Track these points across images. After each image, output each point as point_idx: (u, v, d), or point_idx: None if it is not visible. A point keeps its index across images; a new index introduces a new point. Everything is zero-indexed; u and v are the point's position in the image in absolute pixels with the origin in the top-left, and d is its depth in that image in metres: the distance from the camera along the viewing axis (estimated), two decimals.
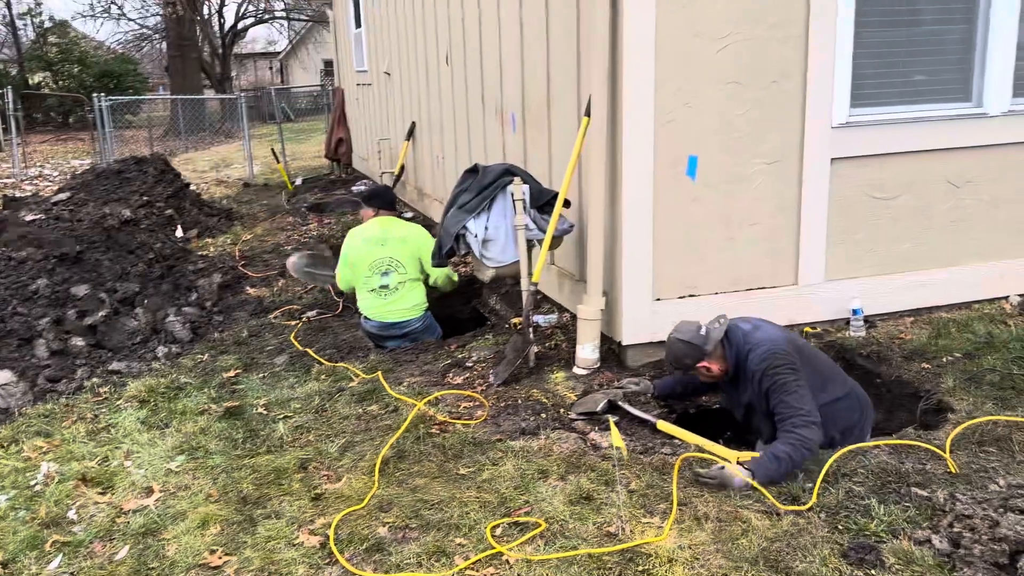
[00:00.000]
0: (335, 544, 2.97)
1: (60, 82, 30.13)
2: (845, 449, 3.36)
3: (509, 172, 4.52)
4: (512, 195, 4.42)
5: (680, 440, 3.61)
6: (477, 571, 2.76)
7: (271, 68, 49.25)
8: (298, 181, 12.62)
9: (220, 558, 2.97)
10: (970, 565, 2.59)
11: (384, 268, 5.30)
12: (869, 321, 4.70)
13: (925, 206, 4.77)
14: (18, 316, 5.14)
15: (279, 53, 46.84)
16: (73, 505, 3.48)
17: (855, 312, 4.64)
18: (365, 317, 5.37)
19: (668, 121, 4.16)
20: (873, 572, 2.63)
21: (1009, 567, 2.58)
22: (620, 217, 4.22)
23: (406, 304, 5.30)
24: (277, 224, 9.58)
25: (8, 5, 33.18)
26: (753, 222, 4.43)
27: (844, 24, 4.36)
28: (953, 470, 3.21)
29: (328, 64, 42.41)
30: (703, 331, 3.53)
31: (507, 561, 2.80)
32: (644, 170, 4.16)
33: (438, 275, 5.40)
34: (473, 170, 4.71)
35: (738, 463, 3.27)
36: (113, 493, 3.56)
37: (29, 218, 6.35)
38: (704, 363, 3.54)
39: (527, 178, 4.56)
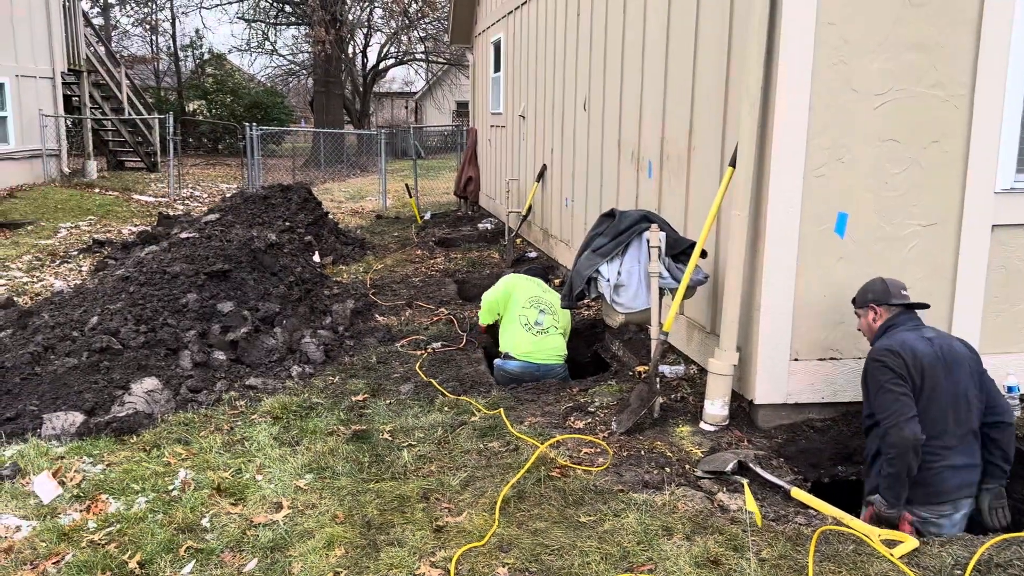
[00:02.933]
0: None
1: (213, 111, 32.36)
2: (1000, 537, 3.10)
3: (646, 219, 4.49)
4: (648, 242, 4.38)
5: (815, 510, 3.42)
6: None
7: (406, 107, 51.21)
8: (427, 215, 12.98)
9: None
10: None
11: (542, 307, 5.41)
12: None
13: None
14: (168, 327, 5.46)
15: (415, 93, 48.69)
16: (207, 513, 3.62)
17: (1010, 389, 4.31)
18: (508, 355, 5.40)
19: (818, 176, 4.04)
20: None
21: None
22: (761, 271, 4.10)
23: (556, 348, 5.37)
24: (406, 256, 9.86)
25: (173, 37, 36.09)
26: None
27: (1013, 86, 4.13)
28: None
29: (461, 105, 43.84)
30: (891, 293, 3.70)
31: None
32: (789, 225, 4.04)
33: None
34: (610, 215, 4.70)
35: (882, 540, 3.07)
36: (245, 505, 3.69)
37: (183, 235, 6.78)
38: (866, 309, 3.75)
39: (664, 226, 4.51)
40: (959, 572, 2.93)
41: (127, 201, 13.83)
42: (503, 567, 3.05)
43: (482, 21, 13.39)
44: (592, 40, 7.09)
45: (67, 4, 15.92)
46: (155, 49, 37.39)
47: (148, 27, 35.44)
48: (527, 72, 9.94)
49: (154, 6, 33.61)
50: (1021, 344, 4.41)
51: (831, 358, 4.22)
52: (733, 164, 4.14)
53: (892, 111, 4.06)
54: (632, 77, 6.04)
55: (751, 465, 3.71)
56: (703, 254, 4.41)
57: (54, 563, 3.24)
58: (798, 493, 3.50)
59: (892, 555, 3.02)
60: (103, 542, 3.39)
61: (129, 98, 18.84)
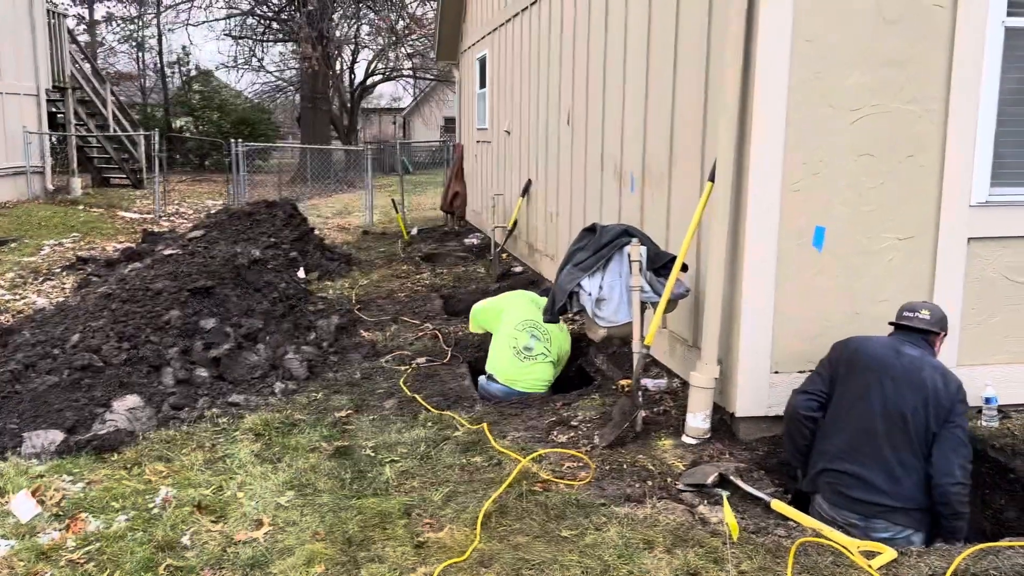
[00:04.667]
0: None
1: (200, 127, 32.35)
2: (976, 547, 3.12)
3: (627, 233, 4.52)
4: (629, 256, 4.41)
5: (795, 522, 3.44)
6: None
7: (394, 123, 51.33)
8: (414, 231, 12.99)
9: None
10: None
11: (535, 332, 5.38)
12: (1003, 411, 4.40)
13: None
14: (150, 344, 5.44)
15: (403, 109, 48.82)
16: (187, 531, 3.60)
17: (988, 401, 4.35)
18: (491, 378, 5.39)
19: (795, 190, 4.09)
20: None
21: None
22: (741, 285, 4.14)
23: (541, 378, 5.33)
24: (392, 271, 9.86)
25: (160, 54, 36.10)
26: (881, 298, 4.25)
27: (986, 101, 4.20)
28: None
29: (448, 121, 43.98)
30: (897, 313, 3.85)
31: None
32: (768, 238, 4.08)
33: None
34: (591, 229, 4.73)
35: (860, 551, 3.09)
36: (225, 523, 3.67)
37: (167, 252, 6.77)
38: (938, 338, 3.80)
39: (645, 240, 4.55)
40: None
41: (112, 218, 13.79)
42: None
43: (468, 38, 13.48)
44: (575, 56, 7.16)
45: (52, 22, 15.90)
46: (141, 66, 37.41)
47: (134, 44, 35.45)
48: (512, 88, 10.00)
49: (140, 23, 33.63)
50: (998, 355, 4.45)
51: (811, 369, 4.25)
52: (712, 179, 4.18)
53: (868, 126, 4.12)
54: (614, 93, 6.09)
55: (732, 478, 3.72)
56: (684, 268, 4.44)
57: None
58: (778, 505, 3.51)
59: (871, 566, 3.04)
60: (82, 561, 3.37)
61: (115, 115, 18.81)
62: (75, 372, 5.11)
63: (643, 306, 4.52)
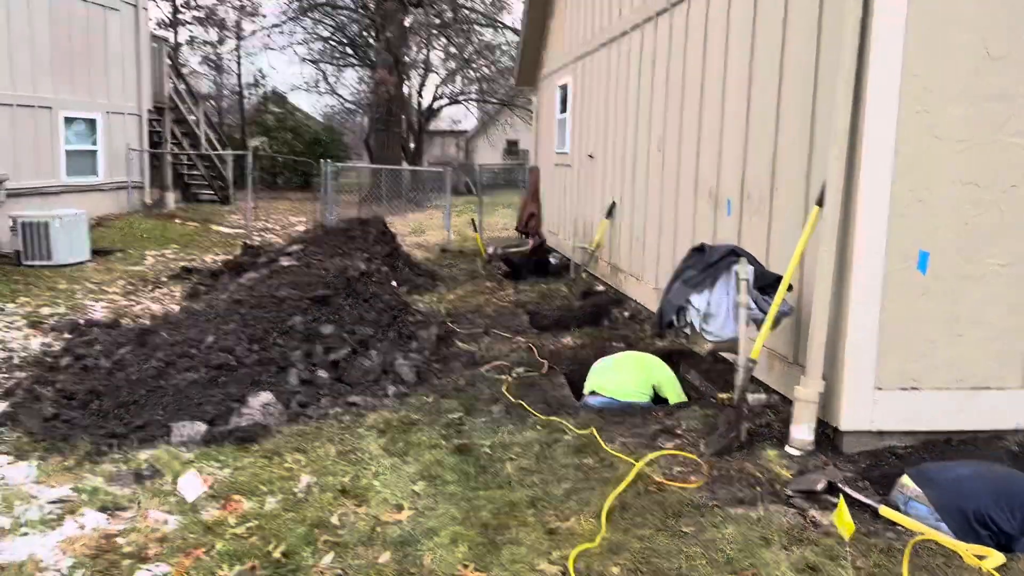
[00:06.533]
0: (575, 574, 3.25)
1: (274, 147, 33.54)
2: None
3: (734, 253, 4.79)
4: (737, 275, 4.68)
5: (903, 527, 3.65)
6: None
7: (457, 145, 52.24)
8: (491, 250, 13.39)
9: (473, 573, 3.33)
10: None
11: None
12: None
13: None
14: (277, 347, 5.88)
15: (465, 132, 49.70)
16: (335, 512, 3.96)
17: None
18: (592, 392, 5.69)
19: (902, 215, 4.31)
20: None
21: None
22: (847, 305, 4.37)
23: (635, 381, 5.60)
24: (476, 287, 10.25)
25: (239, 76, 37.59)
26: (983, 322, 4.43)
27: None
28: None
29: (511, 144, 44.65)
30: None
31: None
32: (875, 260, 4.31)
33: (669, 392, 5.71)
34: (699, 249, 5.02)
35: (971, 554, 3.29)
36: (368, 506, 4.02)
37: (285, 263, 7.25)
38: None
39: (751, 260, 4.81)
40: None
41: (206, 232, 14.53)
42: (616, 567, 3.34)
43: (548, 65, 13.90)
44: (668, 84, 7.47)
45: (154, 46, 16.87)
46: (220, 88, 38.97)
47: (214, 67, 36.98)
48: (596, 114, 10.35)
49: (221, 47, 35.14)
50: None
51: (912, 388, 4.45)
52: (820, 203, 4.43)
53: (972, 156, 4.33)
54: (712, 119, 6.38)
55: (840, 485, 3.94)
56: (789, 288, 4.69)
57: (205, 552, 3.60)
58: (886, 511, 3.73)
59: (983, 565, 3.24)
60: (245, 535, 3.75)
61: (206, 134, 19.75)
62: (212, 370, 5.56)
63: (748, 323, 4.76)
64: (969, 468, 3.94)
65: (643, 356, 5.95)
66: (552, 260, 12.09)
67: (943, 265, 4.39)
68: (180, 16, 33.56)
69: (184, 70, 34.84)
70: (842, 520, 3.35)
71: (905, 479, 3.87)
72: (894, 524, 3.69)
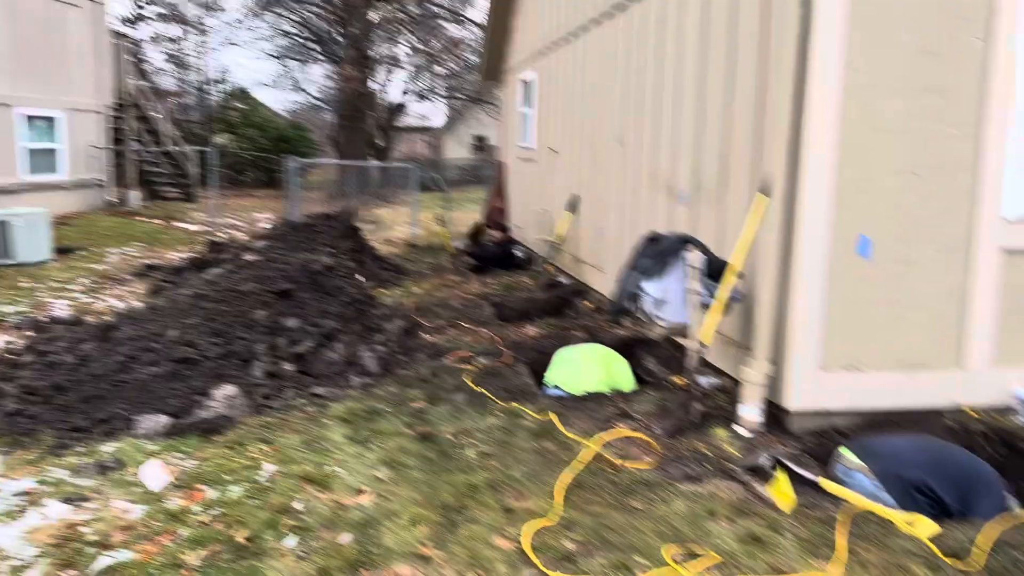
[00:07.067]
0: (530, 550, 3.38)
1: (239, 144, 33.27)
2: (1010, 519, 3.50)
3: (686, 241, 4.95)
4: (688, 262, 4.84)
5: (844, 500, 3.83)
6: None
7: (425, 141, 52.19)
8: (457, 244, 13.48)
9: (431, 551, 3.45)
10: None
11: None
12: None
13: None
14: (241, 340, 5.94)
15: (433, 127, 49.67)
16: (298, 498, 4.06)
17: (1021, 399, 4.71)
18: (554, 386, 5.82)
19: (844, 204, 4.50)
20: None
21: None
22: (792, 290, 4.55)
23: (588, 380, 5.72)
24: (442, 281, 10.35)
25: (202, 72, 37.25)
26: (921, 304, 4.64)
27: (1018, 125, 4.60)
28: None
29: (478, 139, 44.70)
30: None
31: None
32: (818, 247, 4.49)
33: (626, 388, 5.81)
34: (653, 238, 5.17)
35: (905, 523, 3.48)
36: (331, 492, 4.12)
37: (248, 258, 7.30)
38: None
39: (701, 247, 4.97)
40: (971, 547, 3.32)
41: (170, 229, 14.45)
42: (570, 542, 3.48)
43: (513, 60, 14.02)
44: (627, 79, 7.62)
45: (115, 42, 16.71)
46: (183, 84, 38.56)
47: (177, 63, 36.60)
48: (559, 109, 10.49)
49: (184, 43, 34.79)
50: None
51: (855, 368, 4.65)
52: (767, 193, 4.61)
53: (912, 147, 4.54)
54: (667, 114, 6.55)
55: (785, 461, 4.12)
56: (739, 274, 4.85)
57: (170, 538, 3.68)
58: (827, 484, 3.91)
59: (917, 533, 3.42)
60: (209, 522, 3.82)
61: (169, 131, 19.59)
62: (175, 364, 5.61)
63: (699, 308, 4.93)
64: (907, 440, 4.14)
65: (607, 354, 6.05)
66: (518, 253, 12.21)
67: (883, 251, 4.58)
68: (142, 12, 33.17)
69: (146, 67, 34.46)
70: (781, 492, 3.53)
71: (844, 452, 4.05)
72: (836, 497, 3.87)
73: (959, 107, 4.57)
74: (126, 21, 32.48)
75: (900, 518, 3.56)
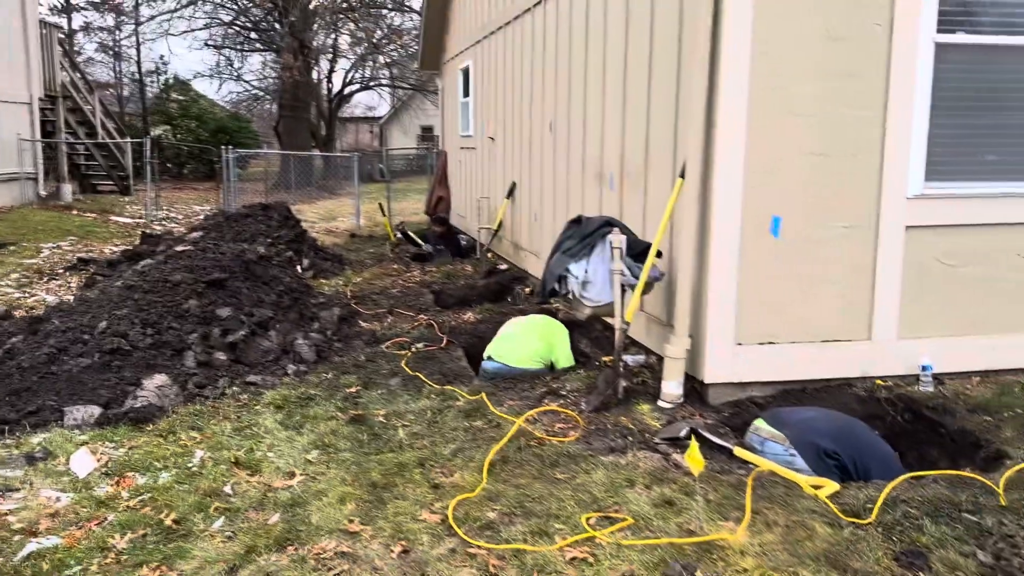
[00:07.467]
0: (453, 521, 3.50)
1: (178, 135, 32.65)
2: (906, 476, 3.74)
3: (609, 223, 5.11)
4: (611, 243, 4.99)
5: (755, 465, 4.03)
6: (575, 549, 3.25)
7: (371, 131, 51.80)
8: (399, 234, 13.50)
9: (357, 526, 3.54)
10: (1009, 574, 2.95)
11: (518, 322, 5.96)
12: (938, 378, 5.03)
13: (995, 275, 5.11)
14: (172, 330, 5.93)
15: (379, 118, 49.32)
16: (228, 482, 4.11)
17: (924, 368, 4.98)
18: (488, 357, 5.93)
19: (756, 185, 4.70)
20: (921, 575, 3.01)
21: None
22: (708, 268, 4.74)
23: (527, 349, 5.83)
24: (383, 270, 10.39)
25: (138, 63, 36.39)
26: (830, 280, 4.87)
27: (920, 107, 4.84)
28: (1004, 503, 3.54)
29: (425, 129, 44.53)
30: None
31: (600, 544, 3.29)
32: (732, 227, 4.68)
33: (563, 363, 5.91)
34: (576, 221, 5.32)
35: (810, 484, 3.68)
36: (261, 475, 4.18)
37: (179, 248, 7.26)
38: None
39: (624, 229, 5.13)
40: (870, 506, 3.54)
41: (105, 222, 14.18)
42: (493, 512, 3.60)
43: (451, 49, 14.06)
44: (557, 68, 7.76)
45: (44, 32, 16.27)
46: (119, 75, 37.63)
47: (112, 53, 35.70)
48: (495, 97, 10.59)
49: (119, 33, 33.93)
50: (932, 330, 5.08)
51: (769, 342, 4.86)
52: (683, 176, 4.78)
53: (820, 129, 4.74)
54: (594, 101, 6.70)
55: (701, 431, 4.31)
56: (659, 254, 5.03)
57: (97, 524, 3.70)
58: (740, 451, 4.11)
59: (819, 494, 3.63)
60: (138, 507, 3.86)
61: (102, 123, 19.16)
62: (105, 355, 5.59)
63: (623, 289, 5.09)
64: (814, 411, 4.37)
65: (549, 325, 6.11)
66: (461, 241, 12.31)
67: (794, 229, 4.79)
68: (74, 1, 32.23)
69: (79, 58, 33.54)
70: (693, 459, 3.70)
71: (759, 423, 4.26)
72: (747, 463, 4.07)
73: (865, 91, 4.79)
74: (56, 10, 31.56)
75: (805, 481, 3.77)
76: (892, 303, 4.98)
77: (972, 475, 3.80)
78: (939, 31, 4.85)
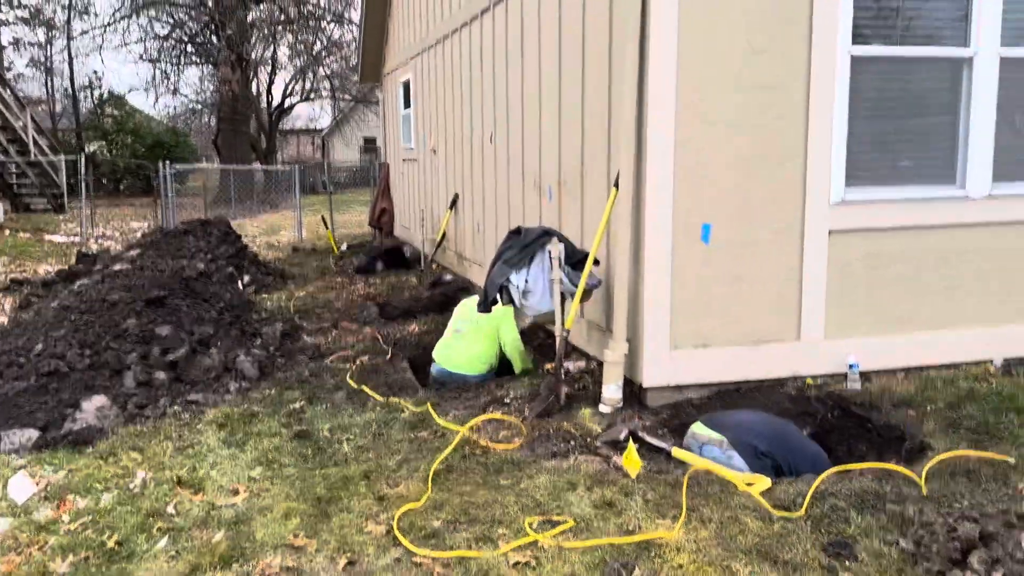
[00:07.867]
0: (398, 531, 3.55)
1: (114, 151, 31.93)
2: (834, 469, 3.91)
3: (547, 233, 5.22)
4: (549, 253, 5.10)
5: (691, 465, 4.16)
6: (518, 553, 3.33)
7: (313, 143, 51.33)
8: (344, 247, 13.46)
9: (302, 540, 3.56)
10: (928, 560, 3.12)
11: (463, 319, 5.97)
12: (865, 376, 5.24)
13: (917, 275, 5.36)
14: (111, 350, 5.85)
15: (321, 130, 48.90)
16: (170, 502, 4.09)
17: (852, 367, 5.19)
18: (434, 362, 5.98)
19: (685, 193, 4.86)
20: (847, 563, 3.16)
21: (961, 562, 3.10)
22: (643, 275, 4.88)
23: (470, 353, 5.85)
24: (327, 283, 10.36)
25: (71, 79, 35.49)
26: (760, 283, 5.05)
27: (839, 117, 5.06)
28: (924, 493, 3.74)
29: (368, 141, 44.32)
30: None
31: (543, 547, 3.37)
32: (664, 235, 4.83)
33: (511, 350, 5.92)
34: (516, 231, 5.42)
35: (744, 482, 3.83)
36: (204, 494, 4.17)
37: (117, 267, 7.16)
38: None
39: (562, 239, 5.25)
40: (800, 500, 3.70)
41: (39, 242, 13.82)
42: (437, 520, 3.66)
43: (391, 61, 14.09)
44: (495, 81, 7.87)
45: None
46: (51, 91, 36.67)
47: (44, 69, 34.78)
48: (437, 110, 10.66)
49: (51, 48, 33.08)
50: (858, 329, 5.30)
51: (704, 345, 5.02)
52: (617, 186, 4.92)
53: (744, 139, 4.93)
54: (531, 115, 6.82)
55: (640, 434, 4.44)
56: (596, 262, 5.16)
57: (38, 548, 3.66)
58: (678, 452, 4.24)
59: (752, 490, 3.78)
60: (79, 530, 3.82)
61: (35, 140, 18.66)
62: (42, 377, 5.49)
63: (563, 297, 5.21)
64: (749, 414, 4.54)
65: (492, 315, 5.89)
66: (405, 253, 12.31)
67: (724, 235, 4.97)
68: (2, 17, 31.34)
69: (8, 73, 32.59)
70: (630, 460, 3.83)
71: (697, 427, 4.40)
72: (684, 464, 4.20)
73: (787, 102, 4.99)
74: None
75: (739, 478, 3.92)
76: (819, 305, 5.19)
77: (896, 468, 3.99)
78: (855, 43, 5.08)
